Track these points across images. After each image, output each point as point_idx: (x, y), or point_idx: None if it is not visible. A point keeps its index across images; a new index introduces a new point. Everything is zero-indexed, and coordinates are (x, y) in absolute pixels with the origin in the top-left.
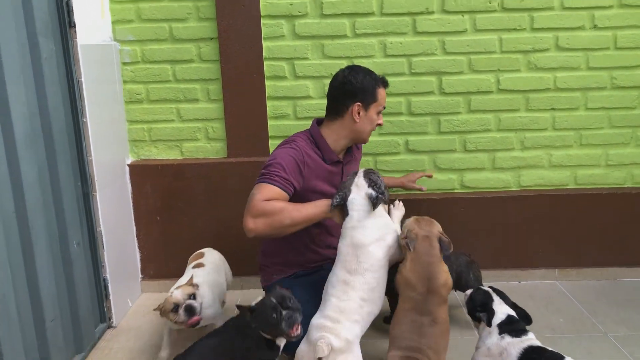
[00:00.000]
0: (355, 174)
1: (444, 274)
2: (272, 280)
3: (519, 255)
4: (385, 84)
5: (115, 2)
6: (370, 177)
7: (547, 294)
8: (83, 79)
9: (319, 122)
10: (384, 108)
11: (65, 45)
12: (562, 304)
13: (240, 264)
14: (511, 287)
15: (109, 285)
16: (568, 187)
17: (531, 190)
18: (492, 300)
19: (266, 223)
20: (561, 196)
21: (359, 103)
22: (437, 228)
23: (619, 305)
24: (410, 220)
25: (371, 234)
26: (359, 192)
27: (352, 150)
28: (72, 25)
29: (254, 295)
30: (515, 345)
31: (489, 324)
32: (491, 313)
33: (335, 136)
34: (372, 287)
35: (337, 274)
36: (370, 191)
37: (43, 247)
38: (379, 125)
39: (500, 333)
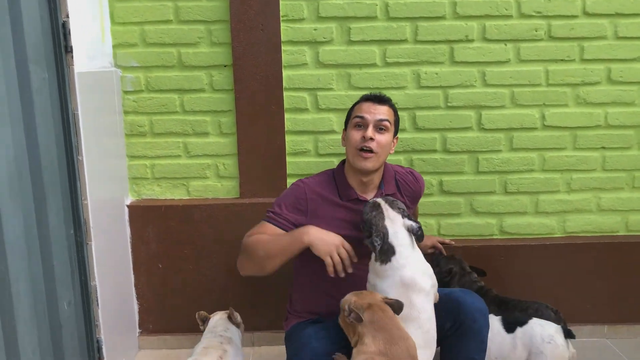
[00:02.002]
0: (375, 206)
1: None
2: (292, 324)
3: (564, 310)
4: (366, 97)
5: (117, 23)
6: (398, 206)
7: (599, 356)
8: (79, 111)
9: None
10: (364, 119)
11: (60, 72)
12: None
13: (253, 318)
14: None
15: (103, 347)
16: (618, 233)
17: (578, 237)
18: None
19: (246, 258)
20: (611, 244)
21: (344, 129)
22: (378, 296)
23: None
24: (348, 296)
25: (420, 269)
26: (396, 226)
27: (382, 186)
28: (68, 50)
29: (265, 354)
30: None
31: None
32: None
33: (348, 171)
34: (428, 329)
35: None
36: (409, 222)
37: (27, 313)
38: (366, 140)
39: None
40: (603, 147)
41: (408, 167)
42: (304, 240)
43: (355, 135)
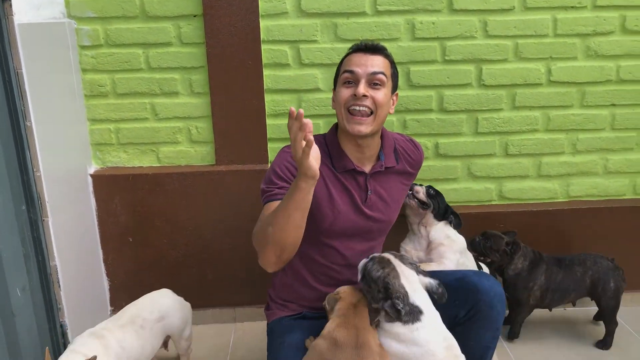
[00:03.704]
0: (383, 262)
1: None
2: (275, 317)
3: None
4: (355, 48)
5: None
6: (410, 261)
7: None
8: (24, 70)
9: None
10: (355, 74)
11: None
12: (621, 340)
13: (232, 293)
14: (555, 313)
15: (68, 330)
16: (625, 197)
17: (582, 202)
18: None
19: (262, 247)
20: (617, 208)
21: (333, 88)
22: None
23: None
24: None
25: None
26: (414, 285)
27: (381, 157)
28: None
29: (249, 330)
30: None
31: None
32: None
33: (343, 138)
34: None
35: None
36: (427, 280)
37: None
38: (358, 97)
39: None
40: (613, 104)
41: (406, 135)
42: (313, 176)
43: (345, 93)
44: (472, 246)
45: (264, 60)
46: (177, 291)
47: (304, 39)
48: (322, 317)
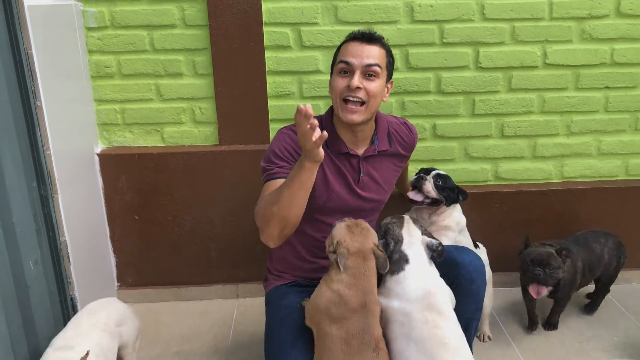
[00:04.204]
0: (397, 217)
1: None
2: (271, 287)
3: None
4: (352, 36)
5: None
6: (420, 225)
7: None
8: (34, 50)
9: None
10: (350, 65)
11: (8, 7)
12: (613, 317)
13: (235, 269)
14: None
15: (78, 304)
16: (618, 178)
17: (575, 183)
18: None
19: (265, 224)
20: (609, 189)
21: (331, 73)
22: (371, 239)
23: None
24: (342, 227)
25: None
26: (413, 238)
27: (376, 141)
28: None
29: (251, 306)
30: None
31: None
32: None
33: (338, 121)
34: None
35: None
36: (429, 239)
37: None
38: (352, 89)
39: None
40: (607, 87)
41: (401, 117)
42: (304, 162)
43: (340, 83)
44: (529, 277)
45: (266, 43)
46: (181, 268)
47: (305, 22)
48: (314, 285)
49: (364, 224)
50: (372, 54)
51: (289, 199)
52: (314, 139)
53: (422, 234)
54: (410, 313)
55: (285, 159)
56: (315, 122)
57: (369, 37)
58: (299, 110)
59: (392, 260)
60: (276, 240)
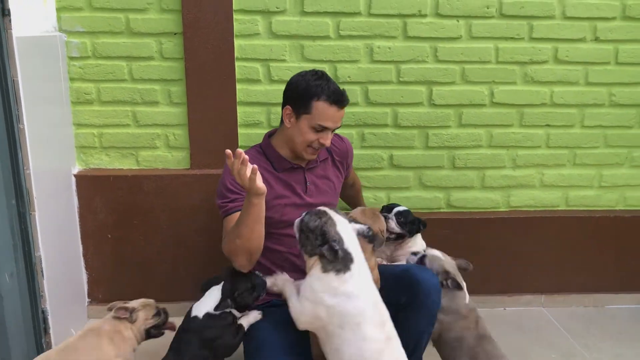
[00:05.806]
0: (320, 213)
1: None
2: None
3: (505, 281)
4: (333, 100)
5: None
6: (341, 212)
7: (535, 324)
8: (20, 78)
9: (271, 133)
10: (326, 129)
11: None
12: (551, 336)
13: None
14: (495, 314)
15: (49, 317)
16: (559, 208)
17: (520, 212)
18: None
19: (234, 255)
20: (551, 218)
21: (288, 106)
22: (379, 224)
23: (612, 338)
24: (357, 211)
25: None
26: (347, 232)
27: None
28: (5, 13)
29: None
30: None
31: None
32: None
33: (280, 143)
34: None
35: (372, 335)
36: (357, 225)
37: None
38: (322, 145)
39: None
40: (547, 125)
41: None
42: (251, 200)
43: (312, 137)
44: None
45: (238, 76)
46: (151, 285)
47: (274, 58)
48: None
49: (375, 211)
50: (342, 115)
51: (248, 233)
52: (248, 174)
53: (349, 221)
54: (364, 310)
55: (237, 191)
56: (246, 157)
57: (344, 102)
58: (227, 156)
59: (339, 254)
60: (248, 267)
